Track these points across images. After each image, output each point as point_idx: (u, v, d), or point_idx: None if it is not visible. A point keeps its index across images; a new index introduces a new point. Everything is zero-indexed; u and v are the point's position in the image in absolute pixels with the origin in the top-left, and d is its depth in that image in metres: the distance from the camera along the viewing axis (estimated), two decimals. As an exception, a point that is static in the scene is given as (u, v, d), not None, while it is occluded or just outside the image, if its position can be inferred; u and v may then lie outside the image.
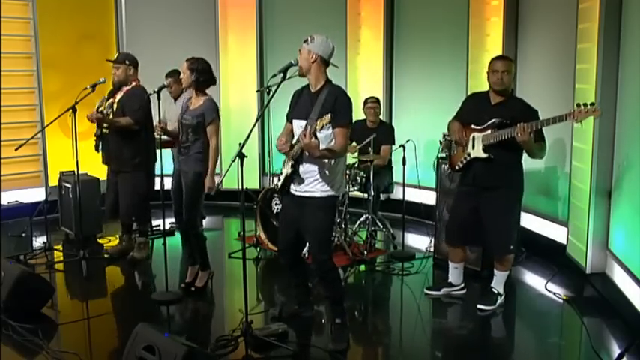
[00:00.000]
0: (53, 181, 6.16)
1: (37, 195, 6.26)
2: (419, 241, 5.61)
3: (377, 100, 5.69)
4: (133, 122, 4.83)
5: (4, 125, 5.73)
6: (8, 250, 4.91)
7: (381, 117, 5.73)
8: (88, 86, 4.82)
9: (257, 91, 6.69)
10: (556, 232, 5.05)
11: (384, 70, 6.54)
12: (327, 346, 3.52)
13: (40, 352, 3.44)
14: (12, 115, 6.04)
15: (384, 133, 5.56)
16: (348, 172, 5.27)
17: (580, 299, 4.31)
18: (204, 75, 4.15)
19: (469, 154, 4.00)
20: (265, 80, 6.58)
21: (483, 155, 3.91)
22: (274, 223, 5.05)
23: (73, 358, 3.36)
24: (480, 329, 3.99)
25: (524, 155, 3.94)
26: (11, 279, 3.89)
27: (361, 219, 5.50)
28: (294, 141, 3.49)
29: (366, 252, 5.15)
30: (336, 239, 5.01)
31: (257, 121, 3.58)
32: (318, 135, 3.27)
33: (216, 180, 4.10)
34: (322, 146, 3.30)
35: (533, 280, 4.73)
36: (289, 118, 3.61)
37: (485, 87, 4.04)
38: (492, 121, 3.86)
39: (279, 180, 3.60)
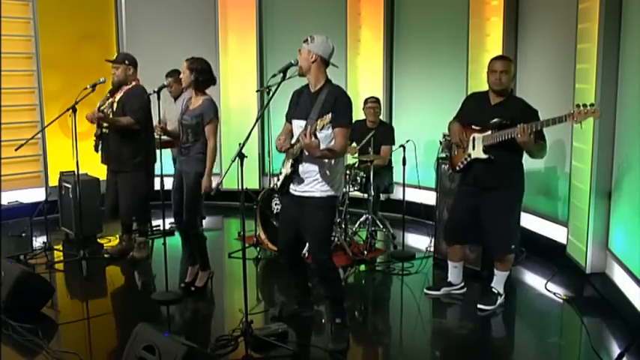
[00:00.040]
0: (53, 181, 6.16)
1: (37, 195, 6.26)
2: (419, 241, 5.61)
3: (377, 100, 5.69)
4: (133, 122, 4.84)
5: (4, 125, 5.73)
6: (8, 250, 4.91)
7: (381, 117, 5.73)
8: (88, 86, 4.82)
9: (257, 91, 6.69)
10: (556, 232, 5.05)
11: (384, 70, 6.54)
12: (327, 346, 3.52)
13: (40, 352, 3.43)
14: (12, 115, 6.04)
15: (384, 133, 5.56)
16: (348, 172, 5.28)
17: (580, 299, 4.31)
18: (203, 75, 4.15)
19: (469, 155, 4.00)
20: (265, 80, 6.58)
21: (484, 156, 3.91)
22: (274, 223, 5.05)
23: (73, 358, 3.36)
24: (479, 329, 3.99)
25: (525, 155, 3.94)
26: (11, 279, 3.89)
27: (361, 219, 5.50)
28: (293, 140, 3.49)
29: (366, 252, 5.15)
30: (336, 239, 5.01)
31: (257, 121, 3.58)
32: (318, 135, 3.27)
33: (216, 180, 4.10)
34: (322, 146, 3.30)
35: (533, 280, 4.73)
36: (288, 118, 3.61)
37: (486, 87, 4.04)
38: (492, 121, 3.86)
39: (278, 180, 3.60)
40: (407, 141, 5.26)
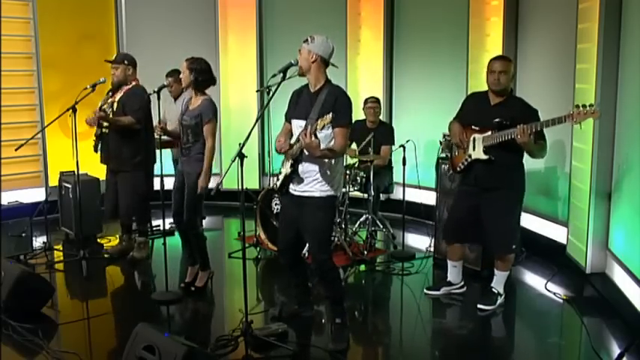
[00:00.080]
0: (53, 181, 6.16)
1: (37, 195, 6.26)
2: (419, 241, 5.61)
3: (377, 100, 5.69)
4: (134, 121, 4.84)
5: (4, 125, 5.73)
6: (8, 250, 4.91)
7: (380, 117, 5.73)
8: (88, 86, 4.82)
9: (257, 91, 6.69)
10: (556, 232, 5.05)
11: (384, 70, 6.54)
12: (327, 346, 3.52)
13: (40, 352, 3.44)
14: (12, 115, 6.04)
15: (384, 133, 5.56)
16: (348, 172, 5.28)
17: (580, 299, 4.31)
18: (203, 75, 4.14)
19: (470, 156, 4.00)
20: (265, 80, 6.58)
21: (484, 157, 3.91)
22: (274, 223, 5.05)
23: (73, 358, 3.36)
24: (480, 329, 3.99)
25: (525, 155, 3.94)
26: (11, 279, 3.89)
27: (361, 219, 5.50)
28: (293, 140, 3.50)
29: (366, 252, 5.15)
30: (336, 239, 5.01)
31: (257, 121, 3.58)
32: (318, 134, 3.27)
33: (216, 180, 4.10)
34: (322, 146, 3.30)
35: (533, 280, 4.73)
36: (288, 118, 3.61)
37: (486, 87, 4.04)
38: (495, 121, 3.86)
39: (277, 180, 3.60)
40: (407, 141, 5.26)
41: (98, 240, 5.64)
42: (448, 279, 4.37)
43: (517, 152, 3.88)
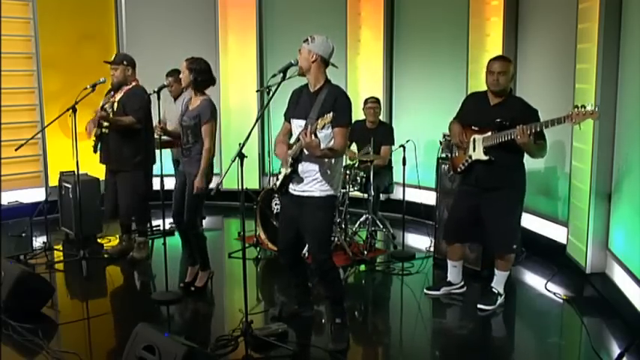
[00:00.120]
0: (53, 181, 6.16)
1: (37, 195, 6.26)
2: (419, 241, 5.61)
3: (377, 101, 5.69)
4: (135, 121, 4.84)
5: (4, 125, 5.73)
6: (8, 250, 4.91)
7: (380, 117, 5.73)
8: (88, 86, 4.82)
9: (257, 91, 6.69)
10: (556, 232, 5.05)
11: (384, 70, 6.54)
12: (327, 346, 3.52)
13: (40, 352, 3.44)
14: (12, 115, 6.04)
15: (384, 133, 5.56)
16: (348, 172, 5.28)
17: (580, 299, 4.31)
18: (202, 75, 4.14)
19: (470, 157, 3.99)
20: (265, 80, 6.58)
21: (484, 157, 3.91)
22: (274, 223, 5.05)
23: (73, 358, 3.36)
24: (480, 329, 3.99)
25: (525, 155, 3.94)
26: (11, 279, 3.89)
27: (361, 219, 5.50)
28: (292, 140, 3.49)
29: (366, 252, 5.15)
30: (336, 239, 5.01)
31: (257, 121, 3.58)
32: (318, 134, 3.28)
33: (216, 180, 4.10)
34: (322, 146, 3.30)
35: (533, 280, 4.73)
36: (288, 117, 3.61)
37: (485, 87, 4.04)
38: (492, 122, 3.85)
39: (277, 180, 3.60)
40: (407, 141, 5.26)
41: (98, 240, 5.64)
42: (448, 279, 4.37)
43: (517, 152, 3.88)
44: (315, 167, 3.40)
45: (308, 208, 3.43)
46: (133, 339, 2.98)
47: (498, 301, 4.12)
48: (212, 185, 4.21)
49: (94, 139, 5.03)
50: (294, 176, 3.45)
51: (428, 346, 3.81)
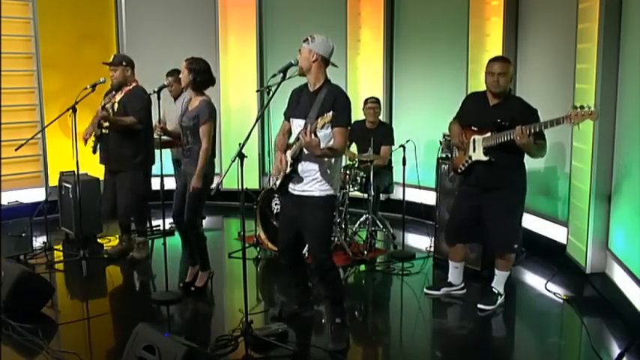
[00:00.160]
0: (53, 181, 6.16)
1: (37, 195, 6.25)
2: (419, 241, 5.61)
3: (377, 101, 5.69)
4: (136, 121, 4.84)
5: (4, 125, 5.73)
6: (8, 250, 4.91)
7: (380, 117, 5.73)
8: (88, 86, 4.82)
9: (257, 91, 6.69)
10: (556, 232, 5.05)
11: (384, 70, 6.54)
12: (327, 346, 3.52)
13: (40, 352, 3.43)
14: (12, 115, 6.04)
15: (384, 133, 5.56)
16: (348, 172, 5.28)
17: (580, 299, 4.31)
18: (201, 75, 4.14)
19: (470, 157, 3.99)
20: (265, 80, 6.58)
21: (484, 158, 3.91)
22: (274, 223, 5.05)
23: (73, 358, 3.36)
24: (480, 329, 3.99)
25: (525, 155, 3.94)
26: (11, 279, 3.89)
27: (361, 219, 5.50)
28: (292, 140, 3.49)
29: (366, 252, 5.15)
30: (336, 239, 5.01)
31: (257, 121, 3.59)
32: (318, 133, 3.28)
33: (216, 180, 4.10)
34: (322, 145, 3.30)
35: (533, 280, 4.73)
36: (287, 117, 3.61)
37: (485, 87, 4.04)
38: (491, 122, 3.85)
39: (277, 179, 3.59)
40: (407, 141, 5.26)
41: (98, 240, 5.64)
42: (449, 280, 4.36)
43: (517, 153, 3.88)
44: (315, 167, 3.40)
45: (308, 207, 3.43)
46: (133, 339, 2.98)
47: (498, 301, 4.12)
48: (212, 185, 4.21)
49: (94, 139, 5.03)
50: (293, 176, 3.45)
51: (428, 346, 3.81)
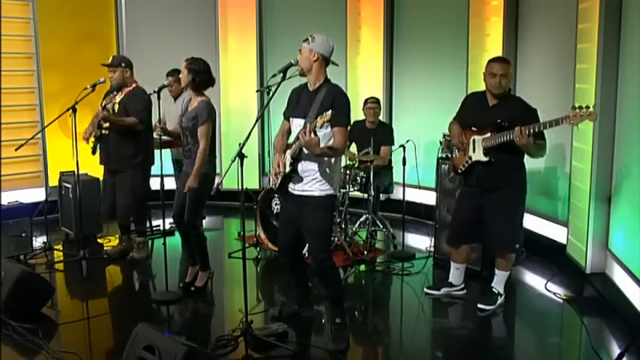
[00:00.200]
0: (53, 181, 6.16)
1: (37, 195, 6.25)
2: (419, 241, 5.61)
3: (377, 101, 5.69)
4: (138, 121, 4.85)
5: (4, 125, 5.73)
6: (8, 250, 4.91)
7: (380, 117, 5.73)
8: (88, 86, 4.82)
9: (257, 91, 6.69)
10: (556, 232, 5.05)
11: (384, 70, 6.54)
12: (327, 346, 3.52)
13: (40, 352, 3.43)
14: (12, 115, 6.04)
15: (383, 133, 5.56)
16: (348, 172, 5.28)
17: (580, 299, 4.31)
18: (201, 76, 4.14)
19: (470, 158, 3.99)
20: (265, 80, 6.57)
21: (484, 158, 3.91)
22: (274, 223, 5.05)
23: (73, 358, 3.36)
24: (480, 329, 3.99)
25: (525, 155, 3.94)
26: (11, 279, 3.89)
27: (361, 219, 5.50)
28: (292, 139, 3.49)
29: (366, 252, 5.15)
30: (336, 239, 5.01)
31: (257, 121, 3.59)
32: (318, 133, 3.28)
33: (216, 180, 4.10)
34: (321, 144, 3.30)
35: (533, 280, 4.73)
36: (287, 116, 3.61)
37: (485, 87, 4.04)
38: (491, 123, 3.85)
39: (277, 178, 3.59)
40: (407, 141, 5.26)
41: (98, 240, 5.64)
42: (450, 280, 4.36)
43: (517, 153, 3.88)
44: (315, 166, 3.40)
45: (308, 207, 3.43)
46: (133, 339, 2.98)
47: (498, 301, 4.12)
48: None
49: (93, 140, 5.03)
50: (293, 175, 3.45)
51: (428, 346, 3.81)
